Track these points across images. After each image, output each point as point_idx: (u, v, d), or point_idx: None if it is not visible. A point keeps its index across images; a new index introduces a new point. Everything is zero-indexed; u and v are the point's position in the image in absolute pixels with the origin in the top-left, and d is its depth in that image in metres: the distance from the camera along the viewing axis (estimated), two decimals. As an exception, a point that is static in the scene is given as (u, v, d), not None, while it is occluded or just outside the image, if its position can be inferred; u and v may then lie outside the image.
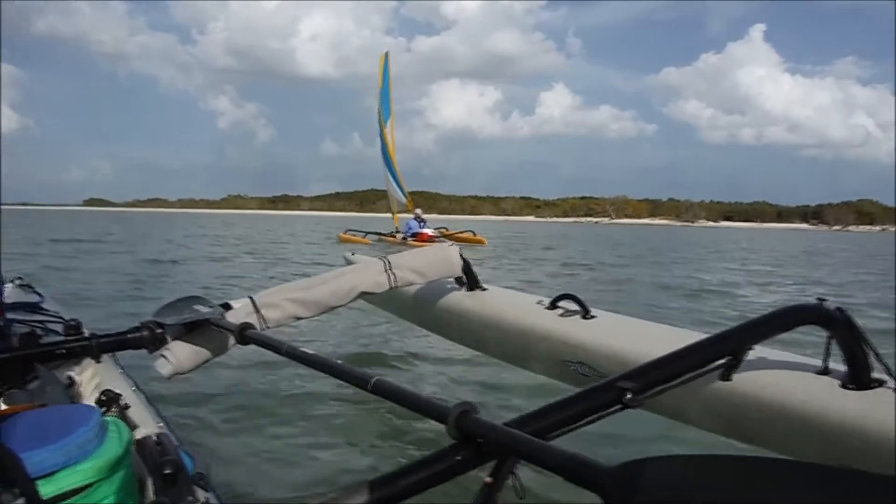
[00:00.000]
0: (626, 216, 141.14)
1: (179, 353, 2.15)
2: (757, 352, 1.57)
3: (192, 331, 2.20)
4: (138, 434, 1.45)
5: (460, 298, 2.78)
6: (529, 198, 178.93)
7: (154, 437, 1.37)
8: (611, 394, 1.26)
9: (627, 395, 1.25)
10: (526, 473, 1.04)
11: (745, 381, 1.56)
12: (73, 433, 1.06)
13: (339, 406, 3.69)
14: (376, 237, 21.08)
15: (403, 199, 22.44)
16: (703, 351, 1.43)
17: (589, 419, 1.24)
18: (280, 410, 3.64)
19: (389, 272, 2.51)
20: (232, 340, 2.09)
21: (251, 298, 2.40)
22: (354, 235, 21.59)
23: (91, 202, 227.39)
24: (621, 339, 2.03)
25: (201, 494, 1.22)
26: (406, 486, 1.04)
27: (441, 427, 1.11)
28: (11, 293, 2.96)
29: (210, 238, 26.34)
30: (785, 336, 1.49)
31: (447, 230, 21.21)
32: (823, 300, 1.47)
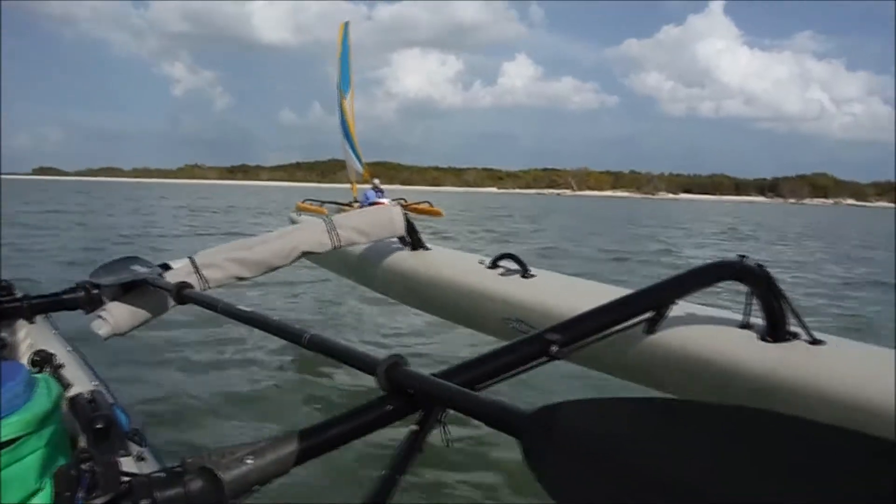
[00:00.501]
0: (589, 188, 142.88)
1: (116, 314, 2.13)
2: (682, 307, 1.64)
3: (130, 291, 2.18)
4: (72, 392, 1.45)
5: (403, 258, 2.80)
6: (492, 169, 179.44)
7: (87, 395, 1.37)
8: (538, 346, 1.31)
9: (554, 348, 1.29)
10: (454, 423, 1.09)
11: (669, 335, 1.63)
12: (2, 386, 1.05)
13: (275, 362, 3.75)
14: (335, 207, 21.00)
15: (360, 169, 22.38)
16: (627, 305, 1.49)
17: (516, 371, 1.28)
18: (217, 368, 3.68)
19: (332, 232, 2.52)
20: (170, 300, 2.08)
21: (191, 258, 2.37)
22: (312, 204, 21.44)
23: (41, 171, 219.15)
24: (558, 297, 2.08)
25: (135, 449, 1.23)
26: (336, 435, 1.07)
27: (373, 380, 1.14)
28: None
29: (201, 210, 25.78)
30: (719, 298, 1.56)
31: (406, 201, 21.27)
32: (744, 257, 1.54)
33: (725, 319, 1.67)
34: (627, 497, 0.72)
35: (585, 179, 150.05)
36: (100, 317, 2.12)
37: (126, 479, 0.93)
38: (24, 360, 1.81)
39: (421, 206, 20.97)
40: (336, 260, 3.19)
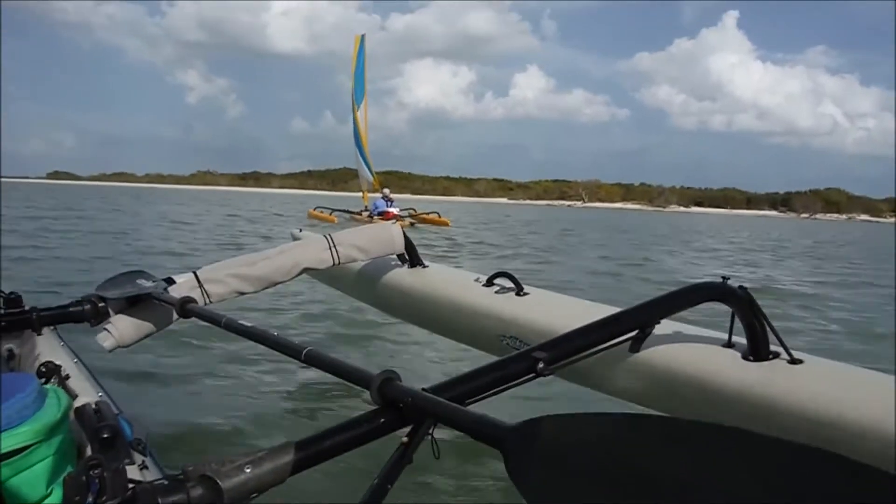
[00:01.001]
0: (599, 200, 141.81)
1: (121, 327, 2.19)
2: (667, 326, 1.70)
3: (135, 305, 2.23)
4: (78, 403, 1.50)
5: (402, 275, 2.86)
6: (502, 180, 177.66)
7: (93, 405, 1.43)
8: (525, 363, 1.37)
9: (540, 365, 1.35)
10: (443, 436, 1.14)
11: (654, 353, 1.68)
12: (10, 399, 1.11)
13: (274, 376, 3.86)
14: (347, 215, 21.30)
15: (371, 179, 22.75)
16: (613, 324, 1.55)
17: (504, 387, 1.34)
18: (219, 381, 3.75)
19: (332, 249, 2.57)
20: (174, 314, 2.14)
21: (194, 273, 2.43)
22: (323, 212, 21.81)
23: (56, 175, 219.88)
24: (550, 315, 2.14)
25: (138, 458, 1.28)
26: (330, 447, 1.13)
27: (367, 394, 1.20)
28: None
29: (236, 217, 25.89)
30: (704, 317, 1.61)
31: (415, 211, 21.72)
32: (727, 279, 1.59)
33: (709, 338, 1.72)
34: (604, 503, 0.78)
35: (596, 191, 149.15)
36: (105, 329, 2.18)
37: (131, 486, 0.99)
38: (32, 370, 1.86)
39: (430, 217, 21.41)
40: (336, 276, 3.25)
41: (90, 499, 0.89)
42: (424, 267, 2.85)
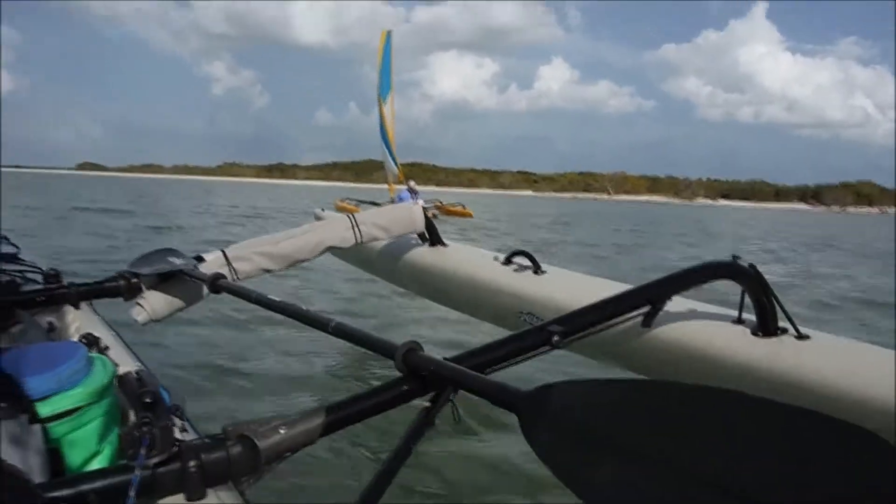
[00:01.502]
0: (625, 192, 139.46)
1: (154, 302, 2.28)
2: (679, 303, 1.76)
3: (167, 281, 2.33)
4: (119, 371, 1.59)
5: (422, 253, 2.94)
6: (527, 172, 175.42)
7: (134, 373, 1.52)
8: (542, 336, 1.43)
9: (556, 338, 1.42)
10: (463, 403, 1.22)
11: (666, 329, 1.75)
12: (64, 364, 1.20)
13: (303, 347, 4.03)
14: (372, 207, 21.53)
15: (396, 171, 23.07)
16: (625, 300, 1.61)
17: (520, 358, 1.41)
18: (248, 353, 3.93)
19: (355, 228, 2.65)
20: (205, 290, 2.23)
21: (223, 251, 2.52)
22: (349, 203, 22.06)
23: (84, 166, 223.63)
24: (566, 292, 2.20)
25: (178, 422, 1.37)
26: (358, 411, 1.21)
27: (391, 363, 1.28)
28: None
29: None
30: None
31: (441, 202, 22.00)
32: (737, 257, 1.65)
33: (719, 315, 1.78)
34: (608, 465, 0.85)
35: (622, 184, 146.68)
36: (138, 304, 2.28)
37: (176, 444, 1.07)
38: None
39: (454, 208, 21.73)
40: (358, 255, 3.33)
41: (143, 451, 0.97)
42: (444, 246, 2.93)
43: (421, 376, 1.23)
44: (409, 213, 2.77)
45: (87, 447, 1.18)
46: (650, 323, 1.67)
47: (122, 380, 1.48)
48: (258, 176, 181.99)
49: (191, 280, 2.28)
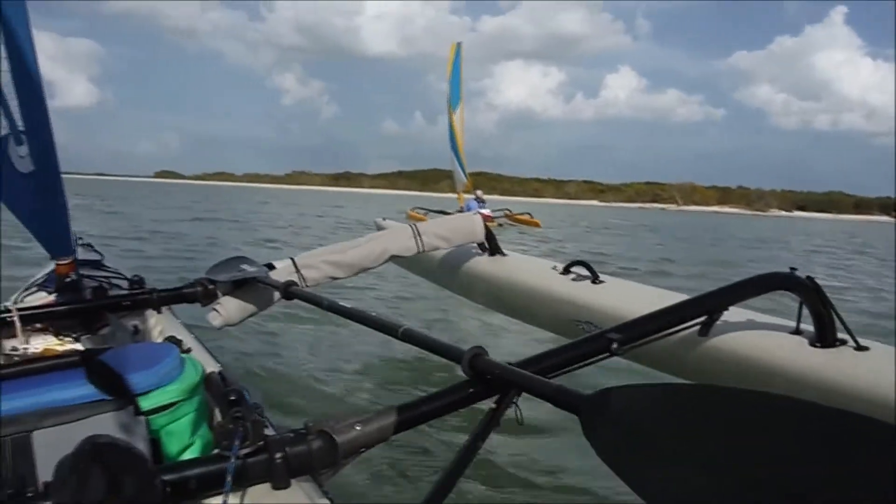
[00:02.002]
0: (694, 203, 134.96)
1: (229, 307, 2.41)
2: (735, 314, 1.79)
3: (240, 287, 2.46)
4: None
5: (482, 263, 3.01)
6: (592, 182, 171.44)
7: (217, 373, 1.64)
8: (601, 343, 1.49)
9: (614, 345, 1.47)
10: (524, 406, 1.29)
11: (724, 338, 1.78)
12: (161, 362, 1.32)
13: (373, 351, 4.26)
14: (441, 216, 21.89)
15: (465, 180, 23.64)
16: (683, 309, 1.66)
17: (580, 364, 1.47)
18: (320, 356, 4.14)
19: (417, 237, 2.74)
20: (277, 296, 2.35)
21: (292, 259, 2.64)
22: (420, 213, 22.47)
23: (162, 174, 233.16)
24: (624, 301, 2.24)
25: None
26: (428, 411, 1.29)
27: (457, 367, 1.36)
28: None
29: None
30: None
31: (510, 212, 22.74)
32: (795, 269, 1.67)
33: (777, 325, 1.81)
34: (665, 463, 0.91)
35: (691, 194, 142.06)
36: (214, 309, 2.41)
37: (264, 436, 1.17)
38: None
39: (523, 217, 21.99)
40: (419, 263, 3.43)
41: (237, 442, 1.07)
42: (504, 255, 3.00)
43: (486, 379, 1.31)
44: (469, 223, 2.85)
45: (182, 439, 1.29)
46: (707, 332, 1.71)
47: (208, 379, 1.60)
48: (324, 184, 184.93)
49: (263, 287, 2.40)
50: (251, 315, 2.48)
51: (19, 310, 2.15)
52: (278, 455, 1.13)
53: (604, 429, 1.02)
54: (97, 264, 2.98)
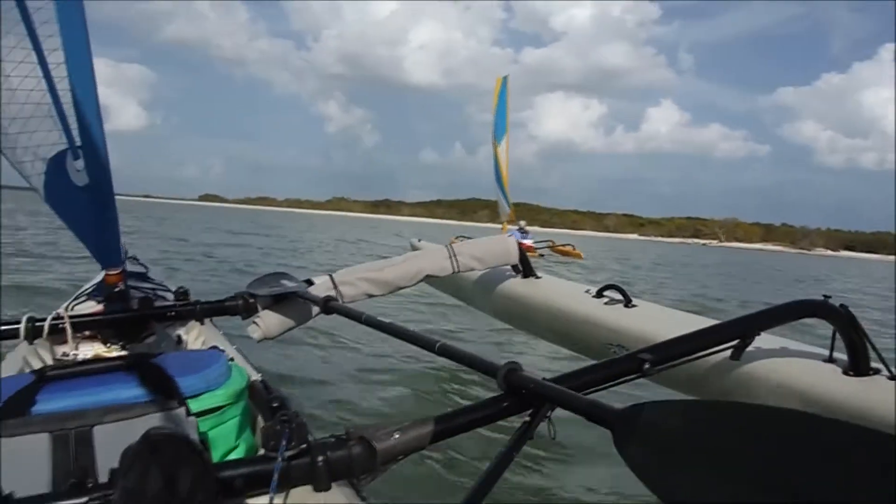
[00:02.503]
0: (736, 239, 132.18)
1: (268, 321, 2.48)
2: (769, 340, 1.80)
3: (280, 302, 2.53)
4: None
5: (515, 285, 3.05)
6: (632, 215, 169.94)
7: (260, 382, 1.70)
8: (633, 364, 1.52)
9: (646, 366, 1.50)
10: (558, 420, 1.33)
11: (755, 364, 1.79)
12: (210, 367, 1.39)
13: (411, 364, 4.39)
14: None
15: (508, 210, 24.10)
16: (716, 332, 1.68)
17: (612, 383, 1.50)
18: (357, 369, 4.25)
19: (453, 258, 2.80)
20: (316, 310, 2.41)
21: (330, 276, 2.71)
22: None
23: (206, 197, 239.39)
24: (656, 325, 2.26)
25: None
26: (464, 423, 1.33)
27: (492, 382, 1.40)
28: None
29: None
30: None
31: (553, 243, 22.83)
32: (828, 297, 1.69)
33: (810, 353, 1.81)
34: (697, 478, 0.93)
35: (733, 231, 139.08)
36: (254, 322, 2.48)
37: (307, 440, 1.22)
38: None
39: (566, 249, 22.09)
40: (453, 283, 3.48)
41: (284, 443, 1.13)
42: (538, 278, 3.03)
43: (520, 394, 1.35)
44: (504, 246, 2.90)
45: (228, 442, 1.36)
46: (739, 357, 1.72)
47: (252, 387, 1.66)
48: (364, 211, 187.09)
49: (303, 301, 2.47)
50: (290, 329, 2.54)
51: (70, 317, 2.24)
52: (320, 458, 1.18)
53: (636, 443, 1.05)
54: (143, 276, 3.09)
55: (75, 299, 2.59)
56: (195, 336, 2.43)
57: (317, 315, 2.47)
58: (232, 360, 2.04)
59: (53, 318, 2.21)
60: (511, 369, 1.36)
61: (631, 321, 2.40)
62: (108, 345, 2.24)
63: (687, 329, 1.80)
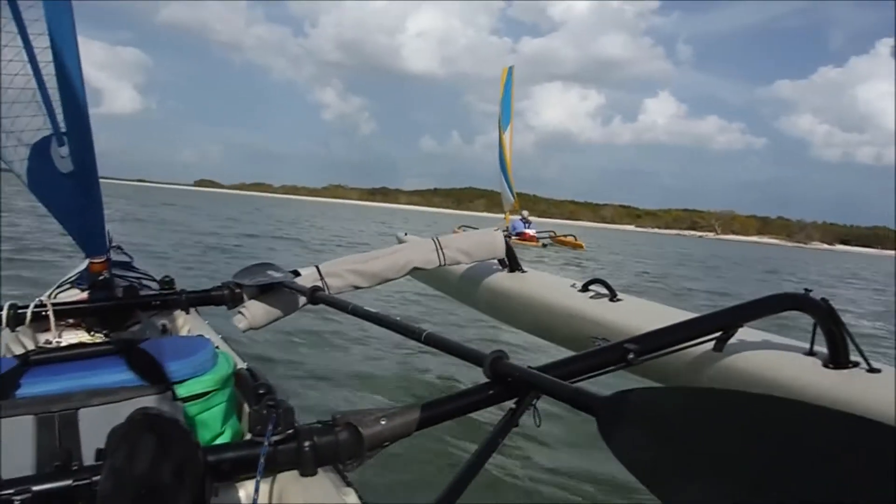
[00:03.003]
0: (733, 232, 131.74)
1: (254, 311, 2.48)
2: (751, 333, 1.83)
3: (266, 292, 2.52)
4: None
5: (501, 279, 3.06)
6: (629, 206, 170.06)
7: (246, 369, 1.70)
8: (618, 354, 1.54)
9: (631, 356, 1.52)
10: (543, 408, 1.34)
11: (738, 356, 1.82)
12: (197, 353, 1.39)
13: (398, 354, 4.45)
14: None
15: (512, 200, 24.08)
16: (698, 324, 1.70)
17: (596, 373, 1.52)
18: (344, 359, 4.30)
19: (439, 251, 2.80)
20: (302, 300, 2.41)
21: (317, 267, 2.70)
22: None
23: (202, 183, 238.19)
24: (640, 319, 2.28)
25: None
26: (450, 409, 1.34)
27: (478, 371, 1.41)
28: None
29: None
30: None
31: (555, 233, 23.18)
32: (810, 290, 1.71)
33: (791, 346, 1.84)
34: (680, 464, 0.95)
35: (730, 223, 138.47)
36: (240, 312, 2.47)
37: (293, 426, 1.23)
38: None
39: (567, 239, 22.24)
40: (439, 277, 3.48)
41: (270, 427, 1.13)
42: (523, 272, 3.04)
43: (506, 382, 1.36)
44: (490, 239, 2.90)
45: (214, 427, 1.36)
46: (721, 349, 1.75)
47: (238, 375, 1.66)
48: (361, 198, 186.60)
49: (289, 292, 2.46)
50: (276, 319, 2.54)
51: (54, 305, 2.22)
52: (307, 444, 1.18)
53: (619, 429, 1.06)
54: (128, 265, 3.07)
55: (58, 287, 2.57)
56: (180, 325, 2.43)
57: (303, 305, 2.47)
58: (217, 348, 2.04)
59: (36, 306, 2.19)
60: (497, 357, 1.38)
61: (616, 315, 2.42)
62: (92, 333, 2.22)
63: (671, 322, 1.82)
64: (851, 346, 1.71)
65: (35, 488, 0.96)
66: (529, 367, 1.38)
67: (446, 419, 1.34)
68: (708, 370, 1.87)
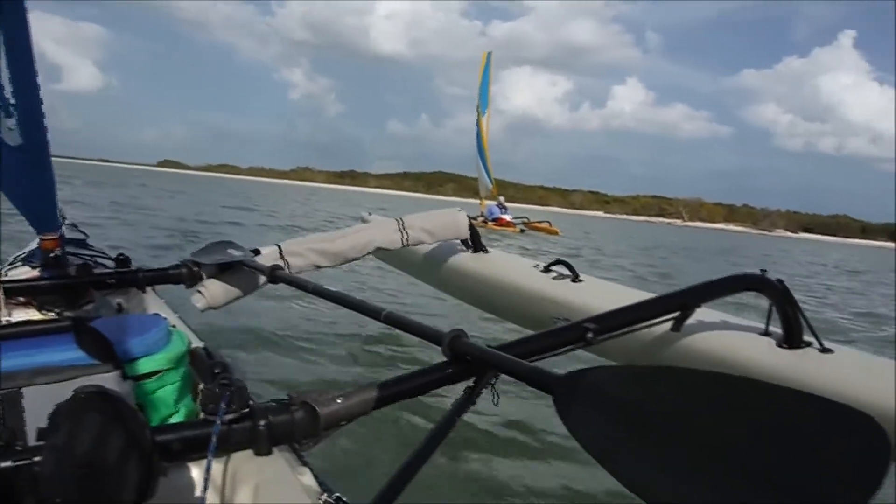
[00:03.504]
0: (700, 219, 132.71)
1: (213, 290, 2.43)
2: (708, 313, 1.85)
3: (225, 271, 2.48)
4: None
5: (465, 259, 3.05)
6: (598, 193, 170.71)
7: (202, 349, 1.67)
8: (577, 333, 1.54)
9: (590, 335, 1.53)
10: (500, 387, 1.34)
11: (695, 336, 1.84)
12: (149, 331, 1.36)
13: (357, 333, 4.45)
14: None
15: (490, 186, 24.07)
16: (657, 304, 1.72)
17: (555, 352, 1.52)
18: (303, 338, 4.26)
19: (402, 231, 2.78)
20: (262, 280, 2.37)
21: (278, 246, 2.67)
22: None
23: (165, 163, 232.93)
24: (601, 299, 2.29)
25: None
26: (408, 388, 1.34)
27: (437, 350, 1.40)
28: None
29: None
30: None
31: (528, 219, 22.90)
32: (766, 272, 1.74)
33: (748, 326, 1.87)
34: (634, 440, 0.95)
35: (697, 210, 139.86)
36: (199, 291, 2.43)
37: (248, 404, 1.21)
38: None
39: (542, 226, 22.18)
40: (402, 257, 3.47)
41: (223, 407, 1.11)
42: (487, 252, 3.04)
43: (465, 361, 1.35)
44: (454, 220, 2.89)
45: (167, 406, 1.33)
46: (680, 329, 1.77)
47: (193, 353, 1.63)
48: (329, 181, 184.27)
49: (249, 270, 2.42)
50: (236, 298, 2.50)
51: (3, 283, 2.16)
52: (262, 422, 1.16)
53: (576, 407, 1.06)
54: (83, 244, 2.99)
55: (9, 264, 2.50)
56: (136, 304, 2.38)
57: (263, 285, 2.44)
58: (174, 327, 2.01)
59: None
60: (456, 336, 1.37)
61: (577, 295, 2.44)
62: (44, 311, 2.17)
63: (629, 301, 1.83)
64: (806, 328, 1.74)
65: None
66: (489, 346, 1.38)
67: (404, 398, 1.33)
68: (666, 350, 1.89)
